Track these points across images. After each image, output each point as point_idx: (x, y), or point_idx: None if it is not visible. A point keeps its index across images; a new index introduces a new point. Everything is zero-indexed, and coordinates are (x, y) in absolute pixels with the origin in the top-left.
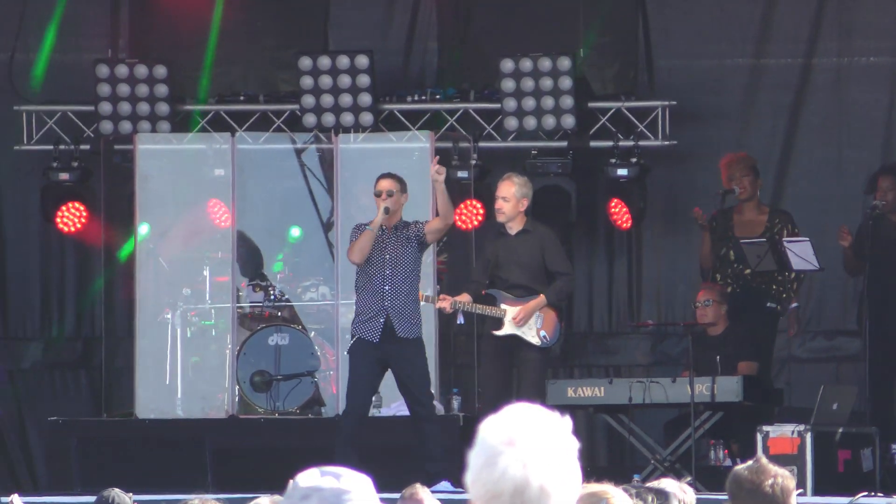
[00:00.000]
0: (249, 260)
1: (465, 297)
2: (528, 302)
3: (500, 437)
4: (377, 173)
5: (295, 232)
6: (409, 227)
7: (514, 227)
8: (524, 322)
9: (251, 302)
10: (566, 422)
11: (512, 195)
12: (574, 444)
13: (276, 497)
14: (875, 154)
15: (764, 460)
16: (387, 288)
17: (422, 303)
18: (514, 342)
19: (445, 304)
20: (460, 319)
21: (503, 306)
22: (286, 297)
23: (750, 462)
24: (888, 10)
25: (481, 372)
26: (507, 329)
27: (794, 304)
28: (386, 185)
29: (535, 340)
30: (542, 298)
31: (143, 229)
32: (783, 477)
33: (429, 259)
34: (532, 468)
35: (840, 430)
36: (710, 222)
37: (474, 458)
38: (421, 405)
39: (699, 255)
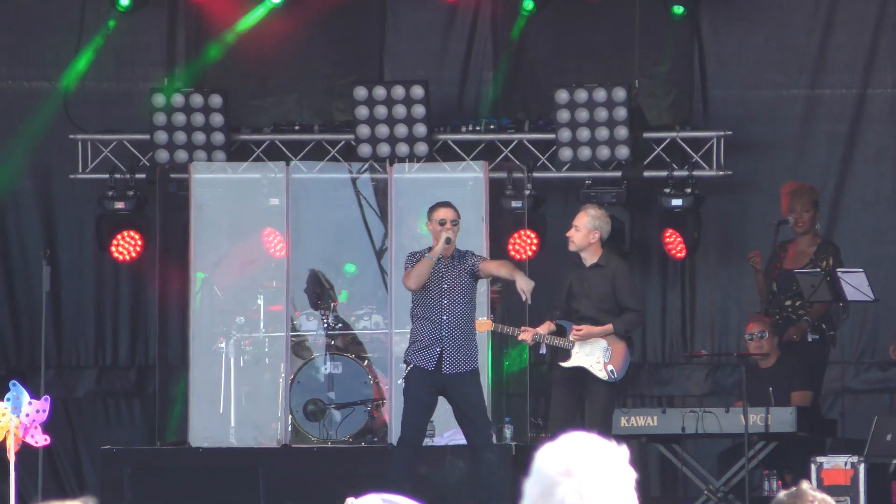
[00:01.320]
0: (313, 291)
1: (544, 328)
2: (593, 326)
3: (557, 466)
4: (431, 203)
5: (350, 268)
6: (465, 258)
7: (588, 259)
8: (582, 338)
9: (305, 330)
10: (624, 452)
11: (583, 225)
12: (631, 475)
13: None
14: None
15: (805, 485)
16: (444, 318)
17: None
18: (583, 374)
19: (527, 336)
20: (543, 350)
21: (571, 338)
22: (340, 325)
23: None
24: None
25: (552, 399)
26: (575, 361)
27: (806, 318)
28: (449, 214)
29: (603, 375)
30: (608, 327)
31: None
32: (822, 502)
33: (483, 289)
34: (589, 498)
35: (894, 461)
36: (774, 253)
37: (530, 487)
38: (478, 433)
39: (759, 292)
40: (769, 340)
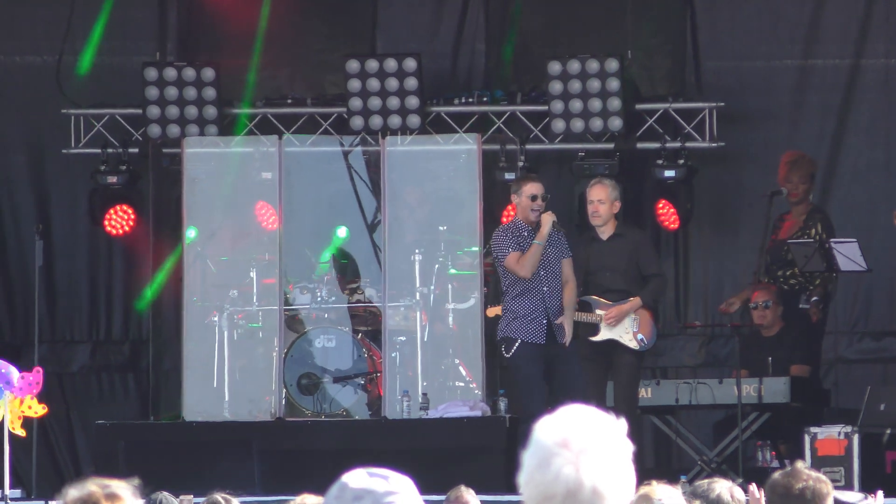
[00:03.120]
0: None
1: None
2: (622, 304)
3: (554, 438)
4: (424, 175)
5: (341, 232)
6: (560, 234)
7: (606, 232)
8: (616, 322)
9: (298, 304)
10: (621, 424)
11: (606, 197)
12: (628, 447)
13: (319, 498)
14: None
15: (799, 465)
16: (545, 289)
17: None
18: (611, 346)
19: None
20: None
21: (598, 312)
22: (333, 298)
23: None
24: None
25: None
26: (604, 334)
27: (815, 299)
28: (540, 189)
29: (633, 344)
30: (636, 300)
31: (190, 233)
32: (816, 481)
33: (474, 262)
34: (585, 470)
35: (888, 431)
36: (774, 222)
37: (528, 458)
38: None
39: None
40: (773, 310)
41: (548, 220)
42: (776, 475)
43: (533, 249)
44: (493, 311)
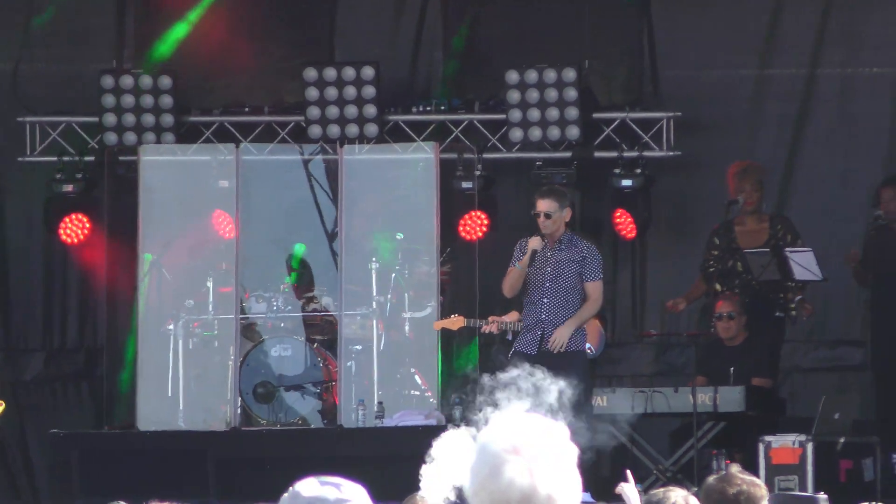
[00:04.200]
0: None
1: (512, 316)
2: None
3: (504, 445)
4: (382, 184)
5: (300, 249)
6: (575, 247)
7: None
8: (560, 346)
9: (254, 313)
10: (565, 429)
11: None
12: (574, 452)
13: None
14: (878, 165)
15: (734, 469)
16: (545, 301)
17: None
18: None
19: (493, 327)
20: (510, 337)
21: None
22: (289, 307)
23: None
24: (892, 21)
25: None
26: None
27: (800, 297)
28: (542, 205)
29: None
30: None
31: (146, 256)
32: (750, 485)
33: (432, 270)
34: (538, 476)
35: (842, 439)
36: (711, 237)
37: (477, 467)
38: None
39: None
40: (737, 320)
41: (532, 244)
42: (710, 479)
43: (510, 272)
44: (440, 325)
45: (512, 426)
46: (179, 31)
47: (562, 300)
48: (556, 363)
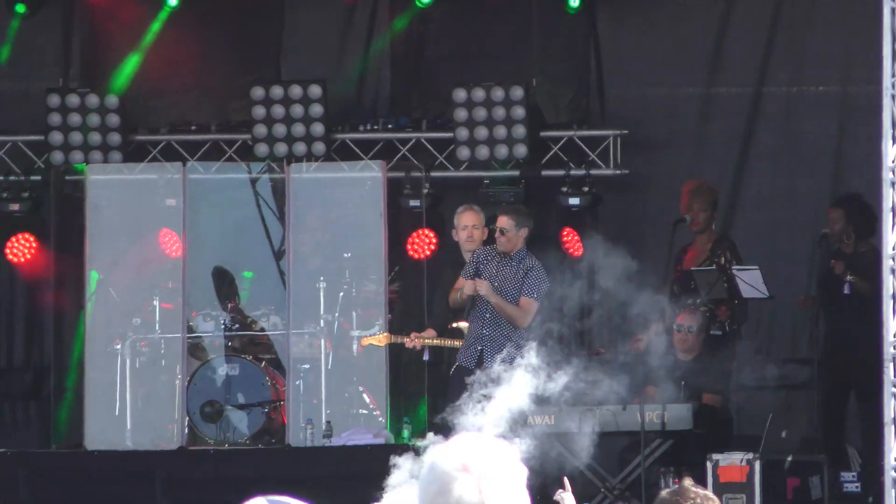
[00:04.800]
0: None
1: (430, 333)
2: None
3: (453, 463)
4: (329, 202)
5: (247, 274)
6: (523, 262)
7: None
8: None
9: (202, 332)
10: (515, 449)
11: (480, 223)
12: (523, 471)
13: None
14: (825, 183)
15: (686, 483)
16: (488, 315)
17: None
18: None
19: (417, 343)
20: (426, 356)
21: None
22: (236, 326)
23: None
24: (836, 40)
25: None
26: None
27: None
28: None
29: None
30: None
31: (93, 277)
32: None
33: (380, 289)
34: (487, 494)
35: (789, 458)
36: (676, 256)
37: (426, 485)
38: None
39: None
40: (696, 335)
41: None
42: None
43: (458, 282)
44: (367, 342)
45: (462, 445)
46: (133, 62)
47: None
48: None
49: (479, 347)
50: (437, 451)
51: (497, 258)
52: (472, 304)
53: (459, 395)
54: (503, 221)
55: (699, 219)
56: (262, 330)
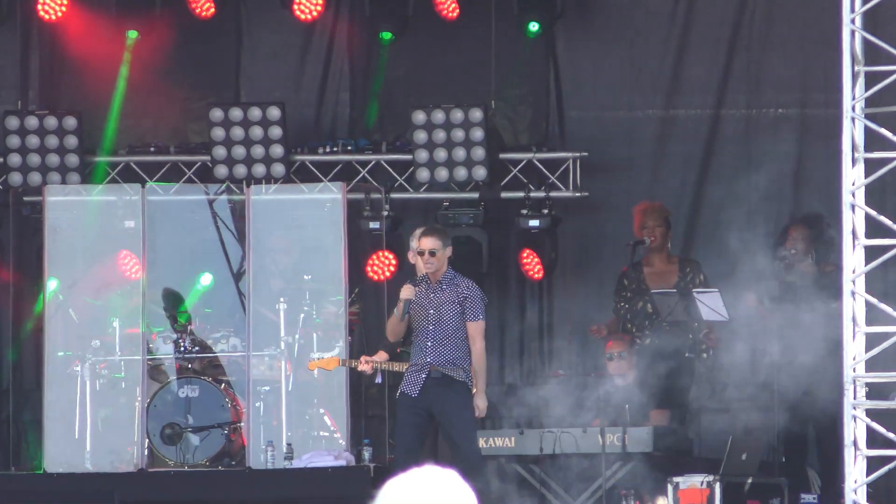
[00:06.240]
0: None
1: (382, 356)
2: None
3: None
4: (289, 224)
5: (205, 279)
6: (457, 287)
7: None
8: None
9: (161, 354)
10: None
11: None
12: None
13: None
14: (784, 205)
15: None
16: (429, 343)
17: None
18: None
19: (367, 367)
20: (379, 379)
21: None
22: (196, 348)
23: None
24: (795, 62)
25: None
26: None
27: (705, 331)
28: (426, 243)
29: None
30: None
31: (52, 284)
32: None
33: (339, 311)
34: None
35: (749, 480)
36: (620, 279)
37: None
38: (460, 461)
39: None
40: (628, 360)
41: (404, 294)
42: None
43: (389, 320)
44: (315, 365)
45: (413, 482)
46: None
47: (446, 342)
48: (438, 396)
49: (423, 375)
50: (388, 485)
51: (425, 284)
52: (410, 332)
53: (404, 422)
54: (430, 243)
55: (656, 234)
56: (223, 351)
